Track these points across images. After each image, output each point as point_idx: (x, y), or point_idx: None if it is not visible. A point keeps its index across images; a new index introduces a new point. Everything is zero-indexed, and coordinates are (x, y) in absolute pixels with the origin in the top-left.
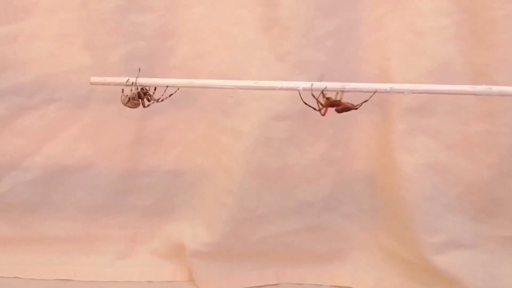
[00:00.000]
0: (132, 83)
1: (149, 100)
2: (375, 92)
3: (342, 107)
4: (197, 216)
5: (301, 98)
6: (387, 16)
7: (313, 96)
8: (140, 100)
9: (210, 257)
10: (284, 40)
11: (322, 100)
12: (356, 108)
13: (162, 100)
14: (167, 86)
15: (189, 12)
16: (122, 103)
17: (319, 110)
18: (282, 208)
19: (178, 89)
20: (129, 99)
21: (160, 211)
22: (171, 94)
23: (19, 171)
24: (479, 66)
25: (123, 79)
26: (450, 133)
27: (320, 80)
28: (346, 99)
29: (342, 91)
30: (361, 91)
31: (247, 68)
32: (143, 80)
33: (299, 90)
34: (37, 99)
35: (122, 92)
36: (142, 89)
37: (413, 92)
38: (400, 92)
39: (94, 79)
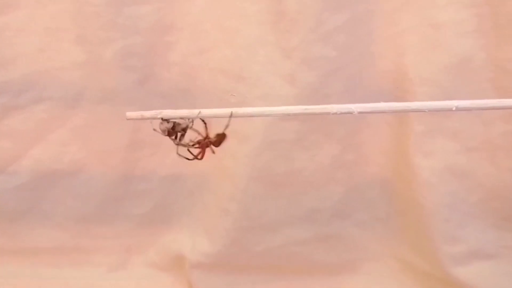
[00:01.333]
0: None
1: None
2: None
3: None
4: (197, 224)
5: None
6: (402, 8)
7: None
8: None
9: (212, 268)
10: (291, 34)
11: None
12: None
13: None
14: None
15: (189, 4)
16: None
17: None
18: (289, 216)
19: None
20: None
21: (157, 219)
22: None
23: (4, 176)
24: (503, 61)
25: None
26: (471, 134)
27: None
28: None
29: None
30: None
31: (251, 65)
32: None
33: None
34: (24, 98)
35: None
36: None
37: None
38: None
39: (131, 114)
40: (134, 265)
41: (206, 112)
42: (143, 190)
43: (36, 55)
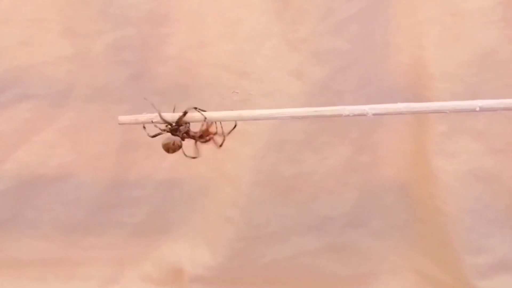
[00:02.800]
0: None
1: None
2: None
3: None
4: (197, 234)
5: None
6: None
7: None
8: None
9: (213, 282)
10: (299, 25)
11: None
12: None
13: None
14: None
15: None
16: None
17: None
18: (298, 225)
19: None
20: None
21: (153, 228)
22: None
23: None
24: None
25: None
26: (497, 135)
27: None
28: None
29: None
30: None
31: (255, 59)
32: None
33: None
34: (6, 96)
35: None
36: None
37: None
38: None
39: (123, 118)
40: (127, 279)
41: (211, 115)
42: (137, 197)
43: (19, 49)
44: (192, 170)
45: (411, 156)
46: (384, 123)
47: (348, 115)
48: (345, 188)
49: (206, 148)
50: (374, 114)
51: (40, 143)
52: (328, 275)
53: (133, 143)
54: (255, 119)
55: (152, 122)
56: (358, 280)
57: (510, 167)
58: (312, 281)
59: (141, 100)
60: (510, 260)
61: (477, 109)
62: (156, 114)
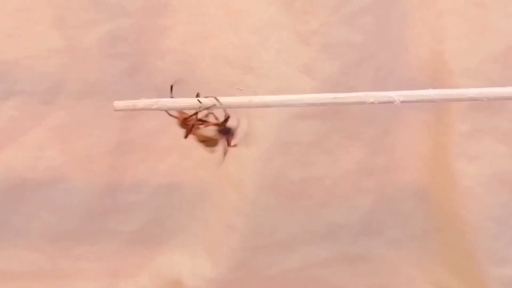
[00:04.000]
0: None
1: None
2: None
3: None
4: (197, 243)
5: None
6: None
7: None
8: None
9: None
10: (309, 16)
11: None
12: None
13: None
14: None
15: None
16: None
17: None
18: (307, 233)
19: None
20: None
21: (150, 237)
22: None
23: None
24: None
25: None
26: None
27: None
28: None
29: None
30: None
31: (261, 53)
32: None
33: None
34: None
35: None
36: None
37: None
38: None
39: (119, 104)
40: None
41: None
42: (133, 203)
43: (5, 42)
44: (192, 174)
45: (430, 158)
46: (400, 123)
47: (372, 103)
48: (359, 194)
49: (207, 153)
50: (402, 102)
51: (27, 144)
52: (339, 287)
53: (129, 144)
54: (267, 106)
55: (152, 109)
56: None
57: None
58: None
59: (137, 96)
60: None
61: None
62: (156, 100)
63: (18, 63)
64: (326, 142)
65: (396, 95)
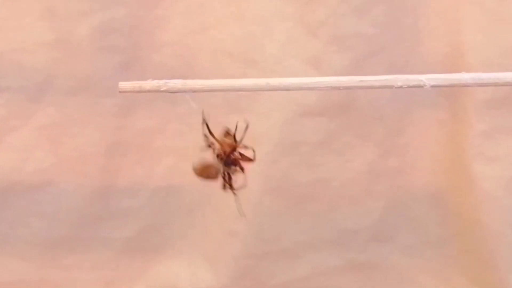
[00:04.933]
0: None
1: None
2: None
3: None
4: (197, 251)
5: None
6: None
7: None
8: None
9: None
10: (317, 6)
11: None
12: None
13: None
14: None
15: None
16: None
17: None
18: (314, 239)
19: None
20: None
21: (145, 245)
22: None
23: None
24: None
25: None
26: None
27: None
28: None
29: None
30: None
31: (266, 45)
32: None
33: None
34: None
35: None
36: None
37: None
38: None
39: (125, 85)
40: None
41: (230, 83)
42: (127, 208)
43: None
44: (191, 177)
45: (445, 160)
46: (414, 122)
47: (401, 87)
48: (370, 197)
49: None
50: (432, 86)
51: (14, 145)
52: None
53: (123, 145)
54: (286, 89)
55: (160, 91)
56: None
57: None
58: None
59: (131, 94)
60: None
61: None
62: (164, 81)
63: (4, 57)
64: (334, 142)
65: (427, 79)
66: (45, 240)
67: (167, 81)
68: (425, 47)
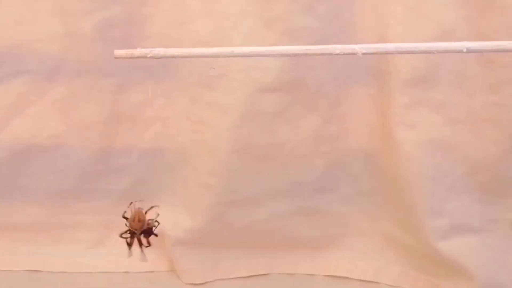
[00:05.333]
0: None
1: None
2: None
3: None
4: (178, 200)
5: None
6: None
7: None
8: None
9: (193, 245)
10: (273, 5)
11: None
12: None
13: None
14: None
15: None
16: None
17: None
18: (272, 190)
19: None
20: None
21: (137, 195)
22: None
23: None
24: (487, 32)
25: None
26: (454, 106)
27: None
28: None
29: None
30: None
31: (232, 36)
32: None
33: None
34: (1, 72)
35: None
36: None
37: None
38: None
39: (119, 52)
40: (113, 242)
41: (203, 51)
42: (122, 165)
43: (13, 28)
44: (173, 141)
45: (375, 127)
46: (349, 96)
47: (338, 54)
48: (315, 156)
49: (186, 123)
50: (363, 54)
51: (32, 116)
52: (299, 237)
53: (119, 115)
54: (247, 55)
55: (147, 57)
56: (326, 241)
57: (468, 137)
58: (285, 243)
59: (126, 75)
60: (467, 223)
61: (464, 50)
62: (151, 49)
63: (25, 46)
64: (287, 112)
65: (359, 47)
66: (57, 191)
67: (152, 49)
68: (359, 37)
